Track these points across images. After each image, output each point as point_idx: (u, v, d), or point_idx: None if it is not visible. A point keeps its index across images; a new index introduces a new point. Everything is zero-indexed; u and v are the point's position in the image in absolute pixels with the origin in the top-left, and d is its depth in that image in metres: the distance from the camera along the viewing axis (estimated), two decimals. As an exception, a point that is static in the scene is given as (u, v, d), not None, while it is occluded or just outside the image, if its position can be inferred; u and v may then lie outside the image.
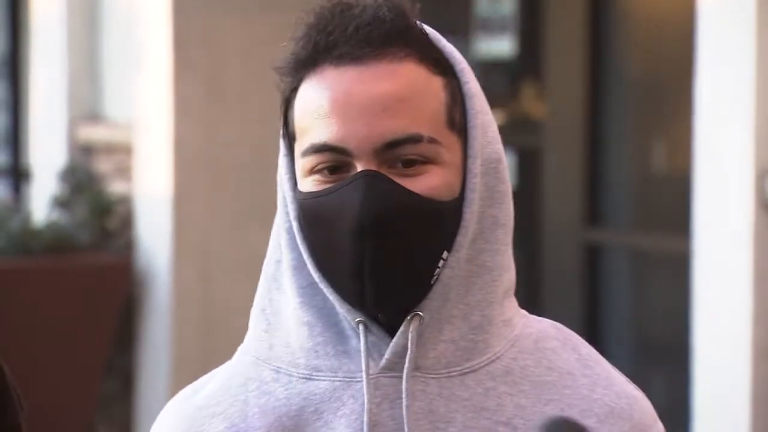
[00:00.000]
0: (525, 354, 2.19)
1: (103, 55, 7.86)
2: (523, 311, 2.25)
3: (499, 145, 2.17)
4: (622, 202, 8.69)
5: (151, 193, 7.41)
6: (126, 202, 7.49)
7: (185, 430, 2.19)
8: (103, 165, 7.69)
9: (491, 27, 9.25)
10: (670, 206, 6.64)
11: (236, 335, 2.32)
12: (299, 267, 2.17)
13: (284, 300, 2.21)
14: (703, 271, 5.58)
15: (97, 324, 7.15)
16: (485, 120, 2.18)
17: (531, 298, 8.38)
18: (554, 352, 2.23)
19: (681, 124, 6.03)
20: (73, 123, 7.86)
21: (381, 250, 2.09)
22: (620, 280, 8.79)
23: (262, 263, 2.33)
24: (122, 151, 7.58)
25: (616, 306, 8.89)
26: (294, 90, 2.13)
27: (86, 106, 7.89)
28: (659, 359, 7.17)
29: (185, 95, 7.28)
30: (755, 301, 5.37)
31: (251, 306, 2.27)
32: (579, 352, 2.26)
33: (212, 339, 7.17)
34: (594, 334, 8.06)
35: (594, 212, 8.79)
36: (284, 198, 2.18)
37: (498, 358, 2.16)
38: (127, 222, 7.46)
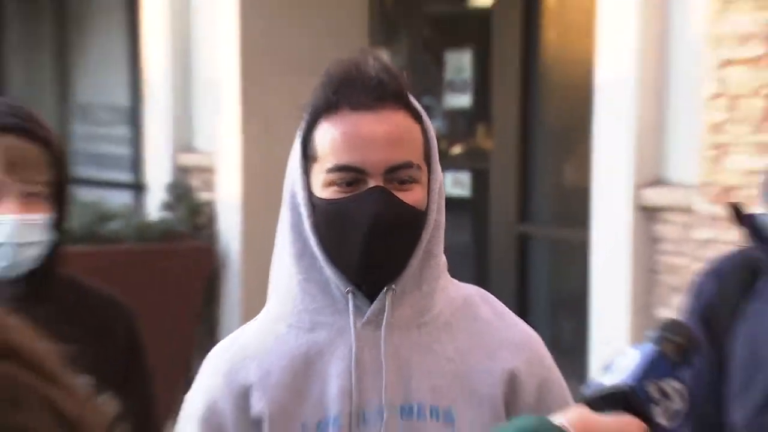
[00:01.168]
0: (458, 312, 2.25)
1: (194, 103, 7.89)
2: (455, 280, 2.31)
3: (441, 174, 2.22)
4: (544, 205, 8.69)
5: (227, 200, 7.45)
6: (210, 206, 7.53)
7: (228, 369, 2.22)
8: (195, 181, 7.73)
9: (455, 87, 9.23)
10: (576, 208, 6.61)
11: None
12: (300, 254, 2.19)
13: (288, 276, 2.23)
14: (598, 254, 5.64)
15: (192, 290, 7.24)
16: (438, 156, 2.19)
17: (481, 274, 8.37)
18: (477, 307, 2.29)
19: (584, 151, 6.01)
20: (176, 152, 7.94)
21: (385, 244, 2.13)
22: (542, 262, 8.78)
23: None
24: (208, 171, 7.64)
25: (539, 279, 8.83)
26: (314, 123, 2.17)
27: (184, 138, 8.08)
28: (569, 315, 7.13)
29: (250, 133, 7.27)
30: (633, 274, 5.41)
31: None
32: (493, 306, 2.32)
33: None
34: (523, 299, 8.06)
35: (524, 212, 8.78)
36: (294, 201, 2.18)
37: (440, 315, 2.22)
38: (211, 219, 7.52)
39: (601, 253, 5.60)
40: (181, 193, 7.59)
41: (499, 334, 2.24)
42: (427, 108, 2.25)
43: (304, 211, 2.16)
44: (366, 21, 7.87)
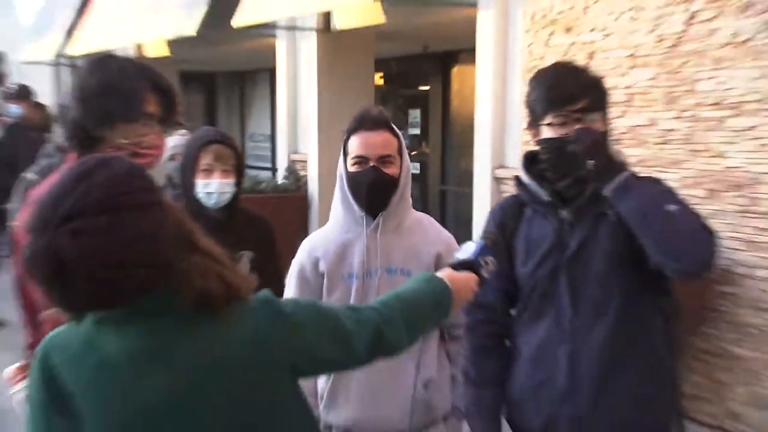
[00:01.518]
0: (416, 225, 2.13)
1: (298, 131, 7.59)
2: (413, 210, 2.17)
3: (408, 161, 2.11)
4: (452, 177, 8.59)
5: (312, 175, 7.14)
6: (305, 177, 7.22)
7: (309, 249, 2.14)
8: (298, 166, 7.45)
9: (413, 125, 9.18)
10: (467, 178, 6.52)
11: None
12: (342, 198, 2.08)
13: (336, 208, 2.12)
14: (477, 201, 5.44)
15: (297, 216, 6.97)
16: (407, 153, 2.11)
17: (423, 210, 8.35)
18: (424, 223, 2.17)
19: (470, 154, 5.93)
20: (290, 153, 7.65)
21: (378, 193, 2.03)
22: (452, 204, 8.43)
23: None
24: (304, 161, 7.34)
25: (450, 213, 8.53)
26: (349, 137, 2.05)
27: (292, 146, 7.63)
28: (463, 230, 6.98)
29: (322, 145, 7.04)
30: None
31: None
32: (432, 223, 2.20)
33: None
34: (442, 222, 7.99)
35: (443, 180, 8.70)
36: (341, 174, 2.08)
37: (407, 226, 2.10)
38: (305, 184, 7.22)
39: (477, 200, 5.41)
40: (291, 171, 7.37)
41: (435, 236, 2.15)
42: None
43: (343, 178, 2.07)
44: (373, 95, 7.78)
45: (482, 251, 1.59)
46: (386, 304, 1.37)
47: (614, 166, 1.67)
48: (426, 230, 2.16)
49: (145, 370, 1.09)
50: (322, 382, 2.09)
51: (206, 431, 1.12)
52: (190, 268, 1.15)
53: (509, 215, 1.92)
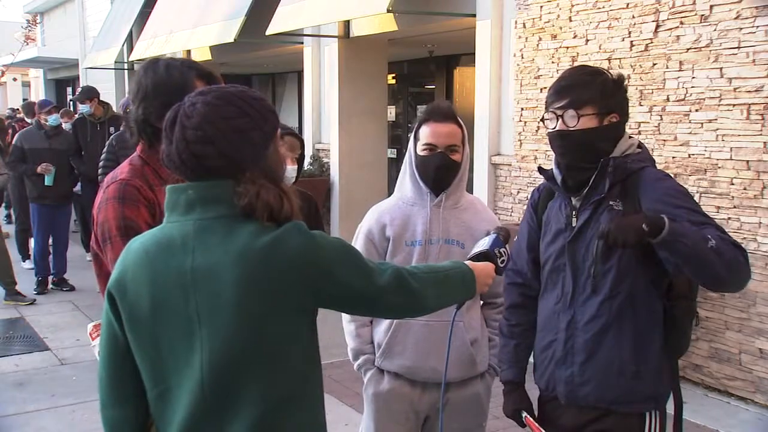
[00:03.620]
0: (468, 204, 2.07)
1: (322, 124, 7.53)
2: (467, 192, 2.10)
3: (468, 150, 2.05)
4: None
5: (333, 161, 7.07)
6: (327, 164, 7.16)
7: (377, 216, 2.07)
8: (321, 153, 7.36)
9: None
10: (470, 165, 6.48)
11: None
12: (411, 175, 2.03)
13: (404, 183, 2.06)
14: (477, 182, 5.38)
15: (322, 195, 6.88)
16: (467, 143, 2.06)
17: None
18: (475, 203, 2.11)
19: (471, 143, 5.89)
20: (314, 143, 7.54)
21: (444, 175, 1.99)
22: None
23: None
24: (327, 150, 7.26)
25: None
26: (420, 125, 2.01)
27: (317, 137, 7.45)
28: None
29: (342, 136, 6.96)
30: (488, 189, 5.25)
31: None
32: (482, 203, 2.16)
33: (352, 205, 6.89)
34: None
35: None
36: (410, 157, 2.02)
37: (463, 205, 2.04)
38: (328, 169, 7.15)
39: (477, 182, 5.37)
40: (316, 158, 7.29)
41: (485, 215, 2.10)
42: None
43: (413, 160, 2.02)
44: (386, 93, 7.67)
45: (495, 243, 1.55)
46: (414, 266, 1.36)
47: (655, 226, 1.51)
48: (477, 210, 2.10)
49: (190, 249, 1.16)
50: (381, 334, 2.06)
51: (219, 308, 1.14)
52: (257, 180, 1.18)
53: (543, 196, 1.85)
